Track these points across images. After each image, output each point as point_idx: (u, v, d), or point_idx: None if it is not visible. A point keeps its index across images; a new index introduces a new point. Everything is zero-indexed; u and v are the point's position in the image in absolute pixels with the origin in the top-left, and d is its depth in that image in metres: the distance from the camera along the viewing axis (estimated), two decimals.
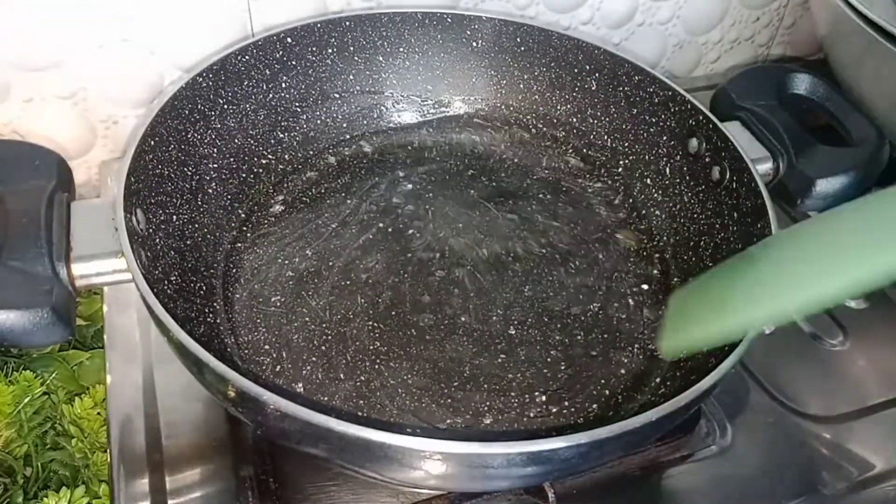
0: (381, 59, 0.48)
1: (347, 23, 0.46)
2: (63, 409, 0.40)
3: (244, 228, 0.42)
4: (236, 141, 0.43)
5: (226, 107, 0.42)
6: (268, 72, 0.44)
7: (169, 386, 0.38)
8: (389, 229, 0.43)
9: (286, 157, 0.46)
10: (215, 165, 0.42)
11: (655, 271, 0.43)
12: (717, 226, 0.41)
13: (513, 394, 0.36)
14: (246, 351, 0.37)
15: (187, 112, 0.40)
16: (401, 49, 0.48)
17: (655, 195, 0.46)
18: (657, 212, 0.45)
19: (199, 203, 0.40)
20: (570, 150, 0.49)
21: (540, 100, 0.49)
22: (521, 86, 0.50)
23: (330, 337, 0.38)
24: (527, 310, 0.40)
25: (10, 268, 0.30)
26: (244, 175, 0.44)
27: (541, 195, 0.47)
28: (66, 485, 0.37)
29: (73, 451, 0.37)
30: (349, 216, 0.44)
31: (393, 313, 0.39)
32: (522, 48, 0.48)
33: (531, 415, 0.36)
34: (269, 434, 0.34)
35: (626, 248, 0.44)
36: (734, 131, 0.41)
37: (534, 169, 0.49)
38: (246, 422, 0.33)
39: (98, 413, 0.39)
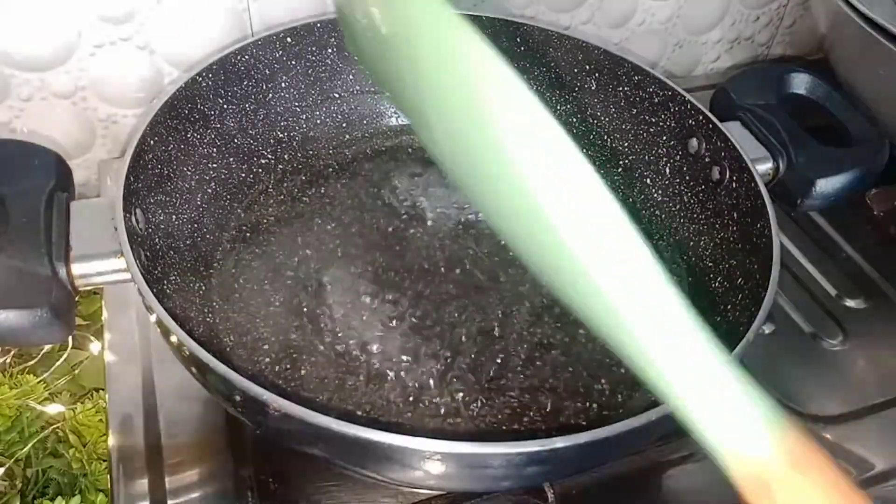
0: None
1: None
2: (65, 414, 0.40)
3: (243, 228, 0.42)
4: (236, 141, 0.43)
5: (225, 106, 0.42)
6: (267, 71, 0.44)
7: (168, 386, 0.37)
8: (390, 229, 0.43)
9: (286, 156, 0.46)
10: (215, 165, 0.42)
11: None
12: (717, 226, 0.41)
13: (512, 393, 0.36)
14: (245, 351, 0.37)
15: (187, 112, 0.40)
16: None
17: (655, 195, 0.46)
18: (657, 212, 0.45)
19: (199, 203, 0.40)
20: None
21: (539, 99, 0.49)
22: None
23: (329, 336, 0.38)
24: (527, 309, 0.40)
25: (10, 267, 0.30)
26: (244, 175, 0.44)
27: None
28: (63, 492, 0.37)
29: (71, 461, 0.37)
30: (349, 216, 0.44)
31: (393, 312, 0.39)
32: (522, 48, 0.48)
33: (531, 414, 0.35)
34: (270, 434, 0.34)
35: None
36: (734, 131, 0.41)
37: None
38: (246, 422, 0.33)
39: (100, 420, 0.39)
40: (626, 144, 0.47)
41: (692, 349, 0.20)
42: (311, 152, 0.47)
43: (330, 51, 0.46)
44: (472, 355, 0.38)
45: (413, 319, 0.39)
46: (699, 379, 0.20)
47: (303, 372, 0.36)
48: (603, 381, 0.37)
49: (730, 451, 0.20)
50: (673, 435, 0.37)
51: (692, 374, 0.20)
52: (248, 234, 0.42)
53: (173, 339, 0.29)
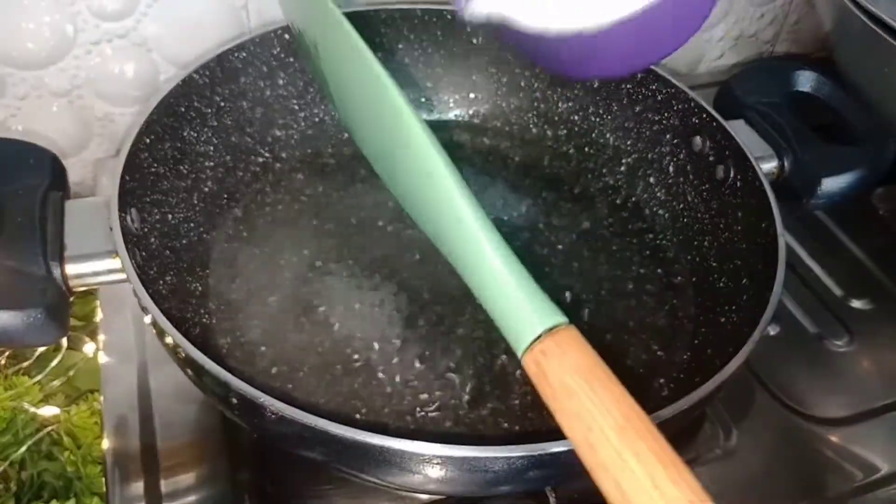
0: (379, 56, 0.47)
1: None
2: (60, 416, 0.40)
3: (240, 227, 0.42)
4: (233, 139, 0.43)
5: (222, 104, 0.42)
6: (265, 69, 0.44)
7: (164, 387, 0.37)
8: (388, 228, 0.43)
9: (283, 155, 0.46)
10: (211, 164, 0.42)
11: (659, 271, 0.42)
12: (722, 225, 0.41)
13: (513, 395, 0.36)
14: (242, 352, 0.36)
15: (183, 110, 0.39)
16: (400, 46, 0.48)
17: (658, 194, 0.45)
18: (660, 211, 0.45)
19: (195, 202, 0.40)
20: (572, 149, 0.49)
21: (541, 97, 0.49)
22: (523, 83, 0.49)
23: (327, 338, 0.37)
24: None
25: (4, 267, 0.30)
26: (241, 174, 0.43)
27: (542, 194, 0.46)
28: (58, 495, 0.37)
29: (66, 464, 0.37)
30: (347, 216, 0.43)
31: (392, 313, 0.39)
32: None
33: (533, 417, 0.35)
34: (267, 437, 0.34)
35: (628, 248, 0.44)
36: (738, 129, 0.41)
37: (535, 168, 0.48)
38: (243, 425, 0.33)
39: (95, 422, 0.39)
40: (629, 143, 0.47)
41: (483, 258, 0.27)
42: (309, 151, 0.47)
43: None
44: (474, 357, 0.37)
45: (413, 320, 0.38)
46: (488, 280, 0.27)
47: (300, 374, 0.36)
48: None
49: (513, 340, 0.26)
50: (677, 438, 0.37)
51: (484, 278, 0.28)
52: (245, 234, 0.41)
53: (169, 340, 0.29)
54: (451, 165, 0.29)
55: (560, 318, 0.25)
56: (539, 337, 0.25)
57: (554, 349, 0.24)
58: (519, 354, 0.26)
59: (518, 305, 0.26)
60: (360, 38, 0.31)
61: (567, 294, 0.41)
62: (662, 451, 0.22)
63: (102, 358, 0.39)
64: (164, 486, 0.34)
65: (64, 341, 0.43)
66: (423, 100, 0.49)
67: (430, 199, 0.30)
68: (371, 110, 0.33)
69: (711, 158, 0.42)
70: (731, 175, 0.40)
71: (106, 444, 0.35)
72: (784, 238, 0.35)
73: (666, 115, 0.44)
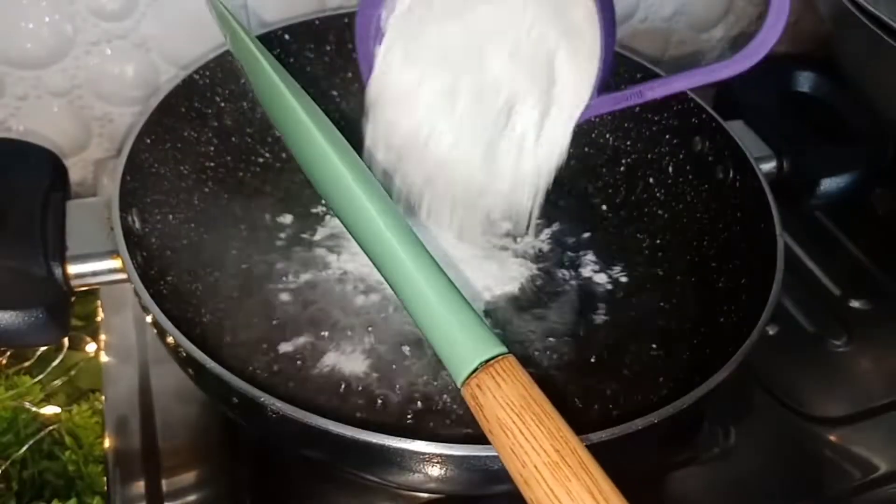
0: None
1: (346, 19, 0.45)
2: (61, 416, 0.40)
3: (241, 227, 0.42)
4: (233, 139, 0.43)
5: (222, 104, 0.42)
6: None
7: (165, 387, 0.37)
8: None
9: (283, 155, 0.46)
10: (212, 164, 0.42)
11: (659, 271, 0.42)
12: (721, 225, 0.41)
13: None
14: (243, 352, 0.36)
15: (183, 110, 0.39)
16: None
17: (658, 194, 0.45)
18: (660, 211, 0.45)
19: (196, 202, 0.40)
20: (572, 149, 0.49)
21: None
22: None
23: (328, 338, 0.37)
24: (530, 309, 0.39)
25: (5, 267, 0.30)
26: (241, 174, 0.43)
27: None
28: (60, 495, 0.37)
29: (67, 463, 0.37)
30: None
31: (391, 313, 0.39)
32: None
33: None
34: (267, 437, 0.34)
35: (628, 248, 0.44)
36: (737, 129, 0.41)
37: None
38: (243, 424, 0.33)
39: (96, 422, 0.39)
40: (628, 143, 0.47)
41: (417, 290, 0.27)
42: None
43: (328, 48, 0.46)
44: None
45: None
46: (424, 313, 0.27)
47: (301, 374, 0.36)
48: (604, 383, 0.37)
49: (452, 373, 0.25)
50: (675, 437, 0.37)
51: (419, 310, 0.27)
52: (244, 234, 0.41)
53: (170, 340, 0.29)
54: (374, 189, 0.28)
55: (497, 348, 0.25)
56: (476, 369, 0.24)
57: (489, 382, 0.24)
58: (458, 387, 0.25)
59: (454, 338, 0.26)
60: (257, 48, 0.32)
61: (566, 295, 0.41)
62: (596, 488, 0.22)
63: (104, 358, 0.39)
64: (166, 485, 0.34)
65: (65, 341, 0.43)
66: None
67: (363, 229, 0.28)
68: (293, 137, 0.33)
69: (711, 159, 0.42)
70: (731, 175, 0.40)
71: (107, 443, 0.35)
72: (783, 238, 0.35)
73: (665, 115, 0.44)
